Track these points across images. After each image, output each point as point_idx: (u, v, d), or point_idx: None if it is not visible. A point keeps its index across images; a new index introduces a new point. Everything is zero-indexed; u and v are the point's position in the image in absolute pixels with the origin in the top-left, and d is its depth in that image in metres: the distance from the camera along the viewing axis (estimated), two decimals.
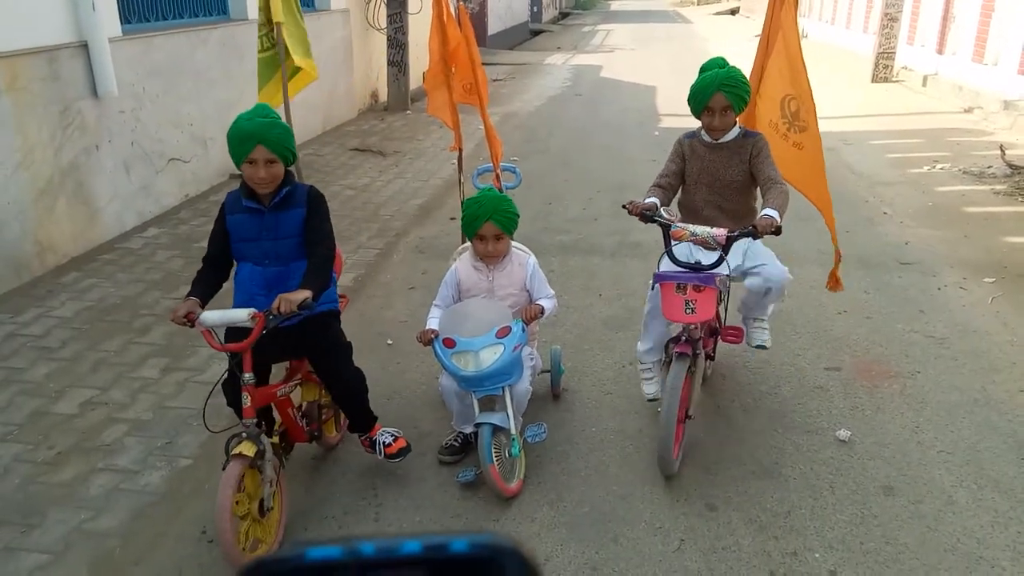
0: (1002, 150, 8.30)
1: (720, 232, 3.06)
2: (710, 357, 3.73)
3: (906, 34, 14.65)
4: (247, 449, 2.70)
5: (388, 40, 11.34)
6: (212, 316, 2.76)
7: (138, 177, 6.25)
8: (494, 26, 21.43)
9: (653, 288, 3.27)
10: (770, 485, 3.21)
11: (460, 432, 3.38)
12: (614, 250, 5.89)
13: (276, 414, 3.09)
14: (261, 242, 2.94)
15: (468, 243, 3.40)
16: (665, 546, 2.90)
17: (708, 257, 3.21)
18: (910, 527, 2.97)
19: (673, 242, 3.18)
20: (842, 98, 12.70)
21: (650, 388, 3.64)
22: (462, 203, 3.54)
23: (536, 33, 27.23)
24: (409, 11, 11.29)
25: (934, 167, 8.35)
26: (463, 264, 3.36)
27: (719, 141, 3.43)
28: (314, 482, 3.26)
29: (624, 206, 3.23)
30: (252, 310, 2.73)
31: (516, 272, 3.32)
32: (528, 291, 3.34)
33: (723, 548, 2.88)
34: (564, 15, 37.33)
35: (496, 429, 3.06)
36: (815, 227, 6.30)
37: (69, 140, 5.46)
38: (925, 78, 13.40)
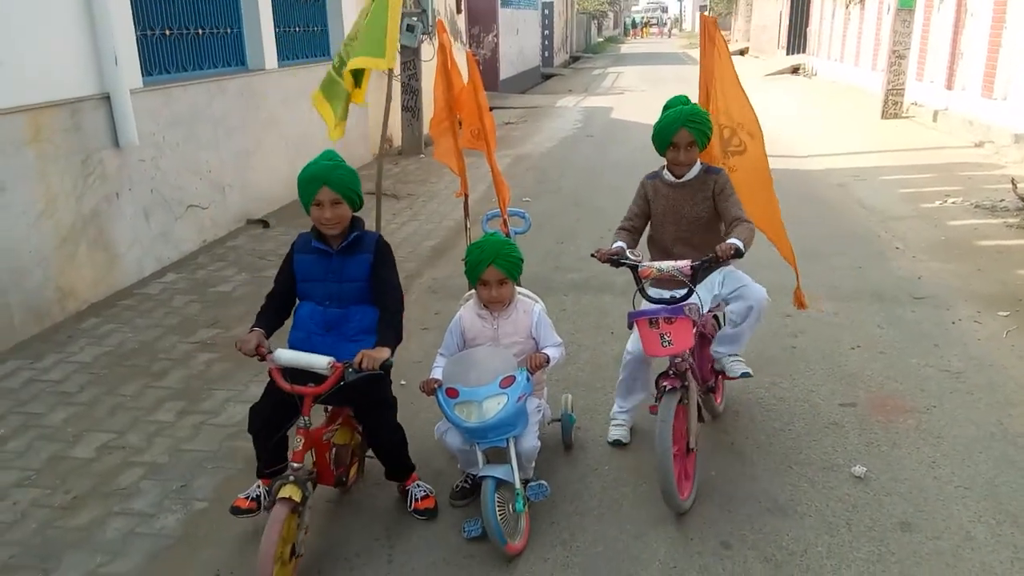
0: (1014, 184, 8.29)
1: (684, 264, 3.15)
2: (712, 390, 3.74)
3: (915, 70, 14.76)
4: (295, 494, 2.70)
5: (402, 86, 11.59)
6: (286, 355, 2.81)
7: (157, 223, 6.38)
8: (506, 71, 21.80)
9: (631, 328, 3.30)
10: (785, 523, 3.18)
11: (468, 474, 3.36)
12: (625, 288, 5.89)
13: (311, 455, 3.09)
14: (326, 283, 3.03)
15: (474, 290, 3.40)
16: None
17: (682, 293, 3.27)
18: (929, 564, 2.93)
19: (644, 281, 3.25)
20: (852, 135, 12.77)
21: (615, 432, 3.76)
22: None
23: (548, 77, 27.69)
24: (422, 59, 11.55)
25: (946, 201, 8.36)
26: (467, 312, 3.33)
27: (681, 179, 3.53)
28: (327, 523, 3.26)
29: (592, 255, 3.32)
30: (331, 359, 2.76)
31: (521, 320, 3.28)
32: (534, 339, 3.30)
33: None
34: (575, 59, 37.94)
35: (500, 483, 2.99)
36: (826, 264, 6.34)
37: (90, 189, 5.60)
38: (936, 113, 13.45)
